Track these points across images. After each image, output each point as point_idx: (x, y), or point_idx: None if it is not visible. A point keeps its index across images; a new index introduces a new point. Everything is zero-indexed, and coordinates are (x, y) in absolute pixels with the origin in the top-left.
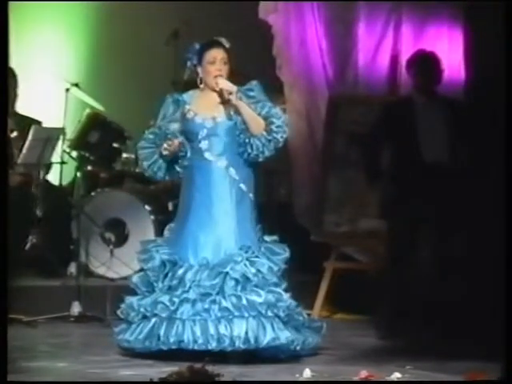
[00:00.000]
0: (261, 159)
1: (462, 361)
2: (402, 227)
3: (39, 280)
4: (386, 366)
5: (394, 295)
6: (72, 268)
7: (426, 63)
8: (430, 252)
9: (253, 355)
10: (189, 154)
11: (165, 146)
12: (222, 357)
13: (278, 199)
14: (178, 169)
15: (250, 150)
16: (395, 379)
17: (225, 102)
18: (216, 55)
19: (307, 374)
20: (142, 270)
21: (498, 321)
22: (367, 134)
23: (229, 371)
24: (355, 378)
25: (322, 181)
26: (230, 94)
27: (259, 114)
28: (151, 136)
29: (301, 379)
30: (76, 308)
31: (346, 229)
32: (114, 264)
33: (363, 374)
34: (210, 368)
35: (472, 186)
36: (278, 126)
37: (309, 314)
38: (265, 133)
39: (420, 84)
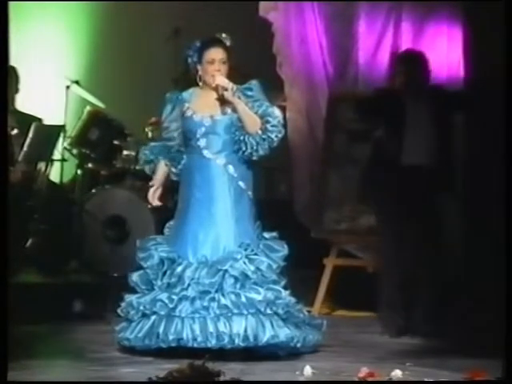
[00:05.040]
0: (255, 157)
1: (463, 358)
2: (397, 223)
3: (40, 277)
4: (387, 362)
5: (394, 293)
6: (73, 265)
7: (409, 63)
8: (430, 251)
9: (252, 353)
10: (187, 152)
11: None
12: (222, 354)
13: (278, 196)
14: (178, 168)
15: (244, 148)
16: (396, 376)
17: (220, 99)
18: (215, 55)
19: (308, 371)
20: (140, 268)
21: (498, 319)
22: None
23: (229, 368)
24: (355, 379)
25: (321, 178)
26: (225, 90)
27: (256, 113)
28: (152, 147)
29: (301, 377)
30: (77, 305)
31: (345, 226)
32: (115, 261)
33: (364, 370)
34: (211, 365)
35: (470, 183)
36: (273, 126)
37: (309, 311)
38: (260, 131)
39: (403, 83)
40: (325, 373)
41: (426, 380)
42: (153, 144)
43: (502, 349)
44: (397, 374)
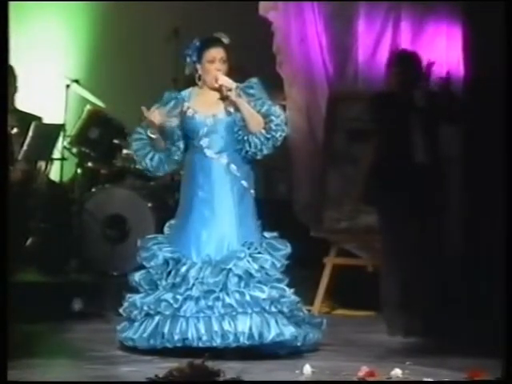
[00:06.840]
0: (259, 157)
1: (463, 358)
2: (399, 222)
3: (40, 276)
4: (387, 361)
5: (394, 292)
6: (73, 264)
7: (403, 63)
8: (430, 249)
9: (253, 352)
10: (189, 152)
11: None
12: (222, 354)
13: (278, 196)
14: (175, 158)
15: (248, 148)
16: (396, 376)
17: (224, 99)
18: (216, 55)
19: (307, 370)
20: (142, 267)
21: (498, 319)
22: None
23: (229, 367)
24: (355, 378)
25: (321, 177)
26: (229, 90)
27: (258, 112)
28: (143, 129)
29: (301, 376)
30: (77, 304)
31: (345, 225)
32: (115, 260)
33: (364, 369)
34: (211, 364)
35: (469, 183)
36: (276, 125)
37: (309, 310)
38: (263, 131)
39: (398, 83)
40: (324, 372)
41: (425, 379)
42: (141, 129)
43: (502, 349)
44: (396, 373)
